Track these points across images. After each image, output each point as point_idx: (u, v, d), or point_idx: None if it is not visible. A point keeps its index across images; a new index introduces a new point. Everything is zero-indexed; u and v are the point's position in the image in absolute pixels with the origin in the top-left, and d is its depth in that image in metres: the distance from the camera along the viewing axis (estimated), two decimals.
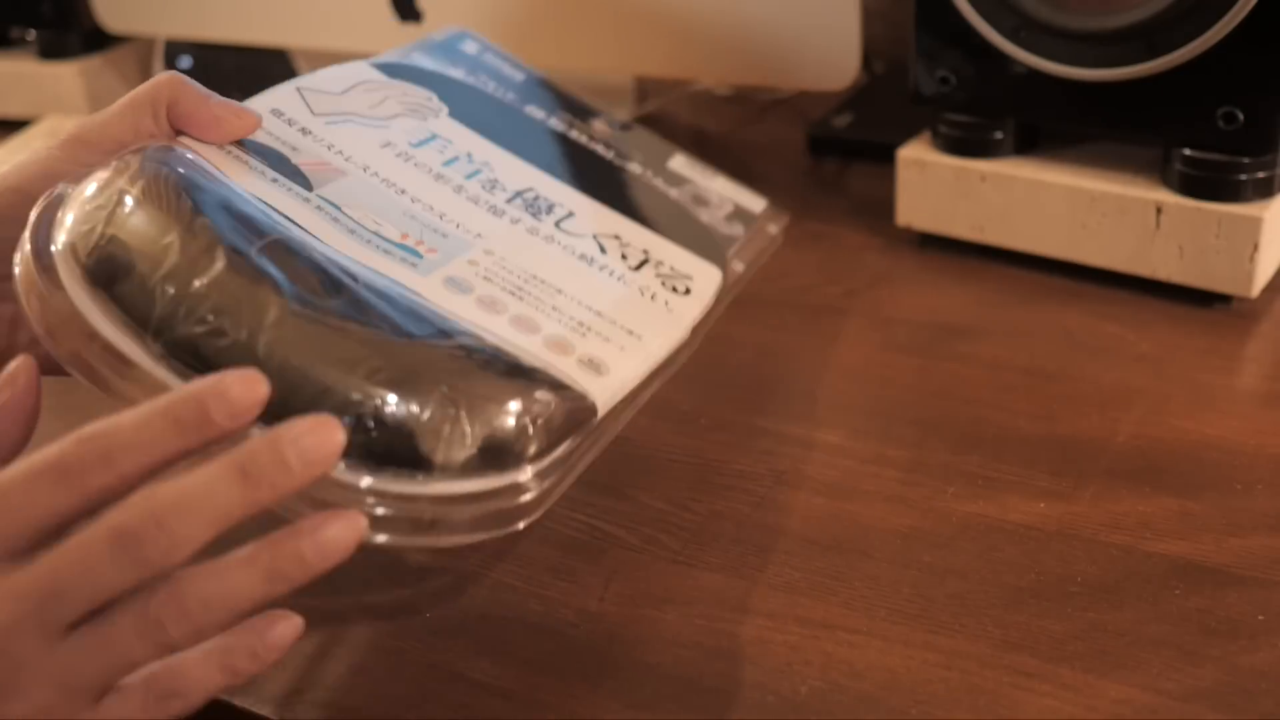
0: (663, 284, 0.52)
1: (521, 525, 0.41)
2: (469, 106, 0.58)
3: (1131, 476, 0.52)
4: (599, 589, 0.49)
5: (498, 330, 0.45)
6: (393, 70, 0.57)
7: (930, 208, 0.70)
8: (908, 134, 0.71)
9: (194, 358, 0.38)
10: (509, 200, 0.53)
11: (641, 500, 0.53)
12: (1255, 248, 0.61)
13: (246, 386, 0.34)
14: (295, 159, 0.49)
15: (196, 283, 0.39)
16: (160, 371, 0.38)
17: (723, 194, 0.62)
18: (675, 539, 0.51)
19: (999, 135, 0.67)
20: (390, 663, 0.46)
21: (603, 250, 0.53)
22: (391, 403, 0.39)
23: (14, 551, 0.33)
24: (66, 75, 0.99)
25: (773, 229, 0.61)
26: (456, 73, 0.61)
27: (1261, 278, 0.62)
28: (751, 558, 0.49)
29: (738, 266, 0.57)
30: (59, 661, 0.33)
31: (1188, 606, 0.45)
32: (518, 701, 0.44)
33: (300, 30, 0.89)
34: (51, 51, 1.00)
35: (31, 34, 1.01)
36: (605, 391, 0.45)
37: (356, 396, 0.38)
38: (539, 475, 0.42)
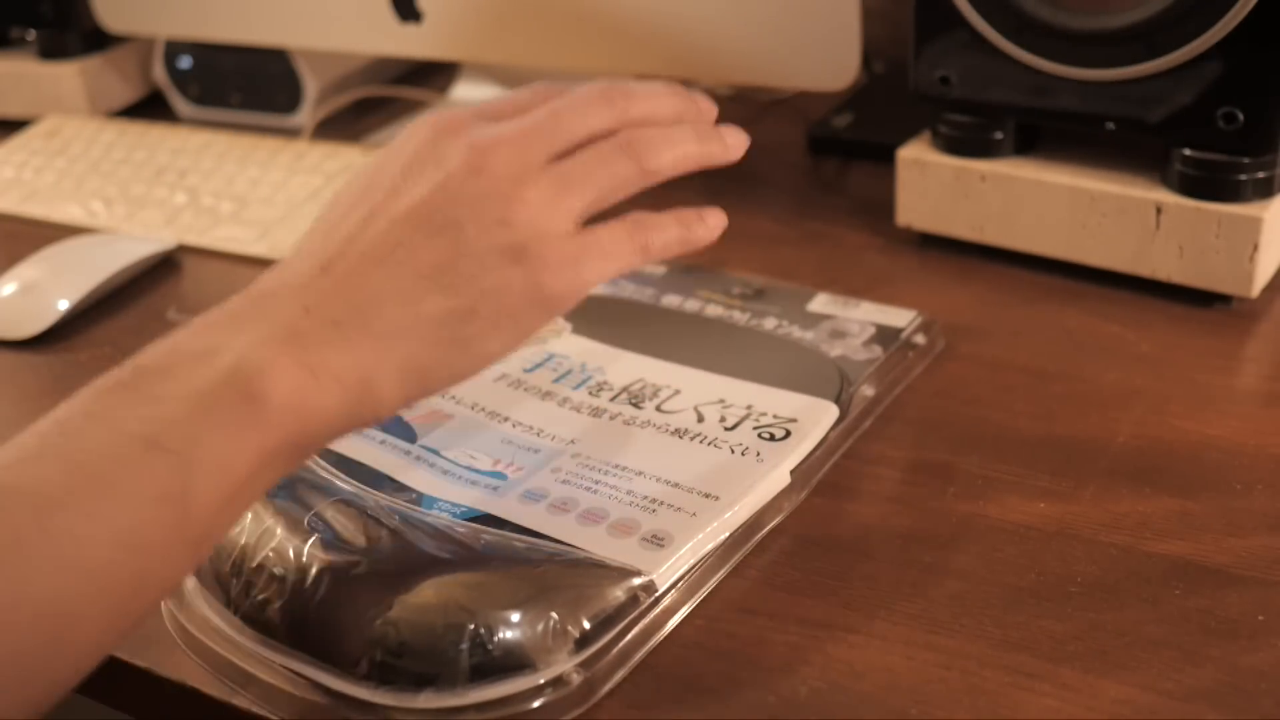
0: (759, 435, 0.53)
1: (568, 718, 0.42)
2: (595, 318, 0.62)
3: (1131, 476, 0.52)
4: None
5: (559, 531, 0.47)
6: None
7: (930, 208, 0.70)
8: (908, 134, 0.71)
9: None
10: (613, 398, 0.56)
11: None
12: (1255, 248, 0.61)
13: (710, 101, 0.49)
14: (408, 414, 0.55)
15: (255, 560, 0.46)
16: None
17: (865, 319, 0.62)
18: None
19: (999, 135, 0.67)
20: None
21: (700, 419, 0.54)
22: (398, 624, 0.42)
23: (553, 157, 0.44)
24: (66, 75, 0.99)
25: (920, 339, 0.61)
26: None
27: (1261, 278, 0.62)
28: (750, 556, 0.49)
29: (867, 391, 0.57)
30: (550, 177, 0.43)
31: (1188, 606, 0.45)
32: None
33: (300, 30, 0.89)
34: (51, 51, 1.00)
35: (31, 34, 1.02)
36: (663, 564, 0.46)
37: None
38: (583, 665, 0.42)
